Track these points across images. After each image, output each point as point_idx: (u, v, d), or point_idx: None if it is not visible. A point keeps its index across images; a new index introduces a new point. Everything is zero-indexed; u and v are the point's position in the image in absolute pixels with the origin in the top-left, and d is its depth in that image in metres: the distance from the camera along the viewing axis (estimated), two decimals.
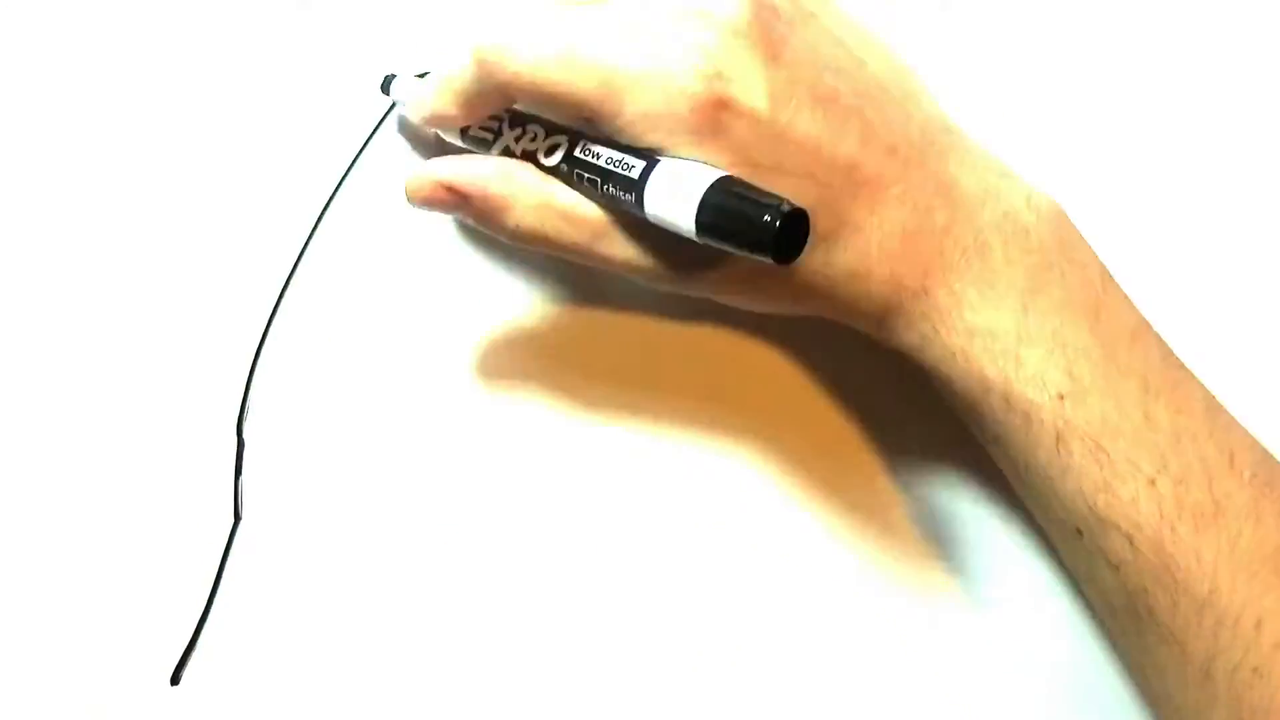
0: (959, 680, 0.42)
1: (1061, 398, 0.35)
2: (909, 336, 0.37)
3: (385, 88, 0.43)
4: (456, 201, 0.38)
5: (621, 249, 0.36)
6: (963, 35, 0.46)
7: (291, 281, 0.43)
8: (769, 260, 0.31)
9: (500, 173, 0.37)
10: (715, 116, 0.34)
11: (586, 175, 0.35)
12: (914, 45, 0.45)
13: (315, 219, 0.44)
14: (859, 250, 0.36)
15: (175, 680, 0.41)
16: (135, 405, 0.42)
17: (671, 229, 0.33)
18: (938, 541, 0.42)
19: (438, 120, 0.39)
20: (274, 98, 0.44)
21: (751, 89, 0.34)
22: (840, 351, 0.43)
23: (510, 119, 0.39)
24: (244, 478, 0.42)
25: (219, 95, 0.44)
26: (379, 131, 0.44)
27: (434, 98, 0.39)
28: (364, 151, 0.44)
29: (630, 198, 0.34)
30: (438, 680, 0.42)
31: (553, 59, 0.35)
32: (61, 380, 0.42)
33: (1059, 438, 0.36)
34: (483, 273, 0.44)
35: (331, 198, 0.44)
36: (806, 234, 0.31)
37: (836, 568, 0.42)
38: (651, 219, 0.33)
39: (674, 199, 0.32)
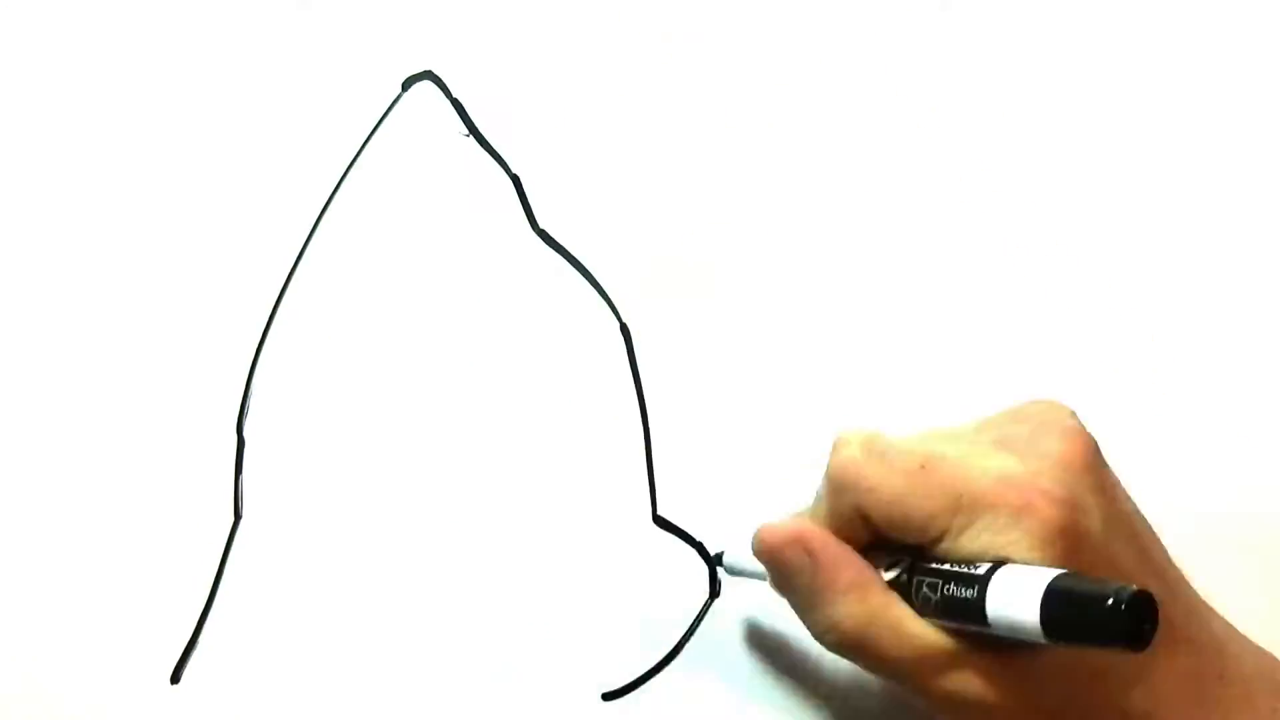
0: None
1: None
2: None
3: (717, 563, 0.42)
4: (799, 564, 0.38)
5: (941, 678, 0.36)
6: (963, 35, 0.46)
7: (291, 281, 0.43)
8: (1119, 647, 0.31)
9: (851, 561, 0.37)
10: (1065, 540, 0.35)
11: (928, 580, 0.36)
12: (914, 45, 0.45)
13: (315, 219, 0.44)
14: (1153, 690, 0.36)
15: (175, 679, 0.41)
16: (136, 404, 0.42)
17: (1012, 629, 0.34)
18: None
19: (793, 543, 0.38)
20: (274, 98, 0.44)
21: (1092, 518, 0.36)
22: None
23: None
24: (244, 476, 0.42)
25: (219, 95, 0.44)
26: (378, 131, 0.45)
27: (792, 520, 0.39)
28: (364, 151, 0.44)
29: (972, 593, 0.35)
30: (436, 678, 0.42)
31: (906, 476, 0.36)
32: (63, 379, 0.42)
33: None
34: (482, 271, 0.44)
35: (331, 197, 0.44)
36: (1154, 621, 0.32)
37: None
38: (992, 619, 0.34)
39: (1018, 594, 0.33)
